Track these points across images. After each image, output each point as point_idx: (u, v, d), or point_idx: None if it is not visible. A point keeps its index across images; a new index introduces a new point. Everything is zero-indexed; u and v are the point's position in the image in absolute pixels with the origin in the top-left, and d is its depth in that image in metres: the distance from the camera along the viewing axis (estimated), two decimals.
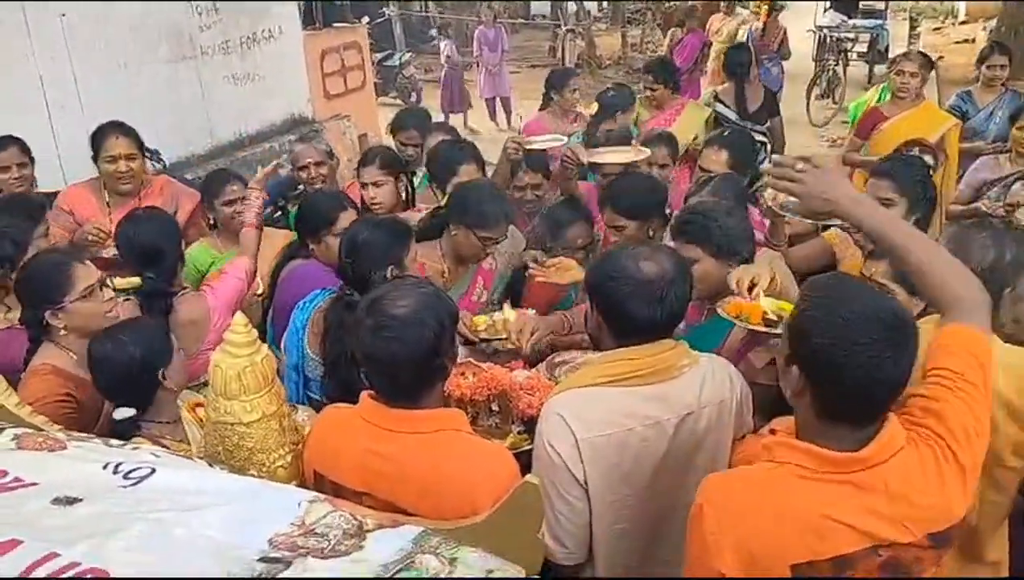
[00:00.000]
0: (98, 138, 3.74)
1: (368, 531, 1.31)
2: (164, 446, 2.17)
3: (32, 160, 3.91)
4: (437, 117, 5.82)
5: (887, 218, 1.84)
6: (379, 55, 13.82)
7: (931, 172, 4.61)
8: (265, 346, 1.85)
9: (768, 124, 5.79)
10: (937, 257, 1.75)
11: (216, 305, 2.85)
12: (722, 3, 9.01)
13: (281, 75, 7.33)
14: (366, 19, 10.87)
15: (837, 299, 1.53)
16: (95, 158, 3.78)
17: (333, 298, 2.68)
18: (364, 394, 1.91)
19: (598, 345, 2.05)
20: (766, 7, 9.80)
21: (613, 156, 3.80)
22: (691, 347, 2.02)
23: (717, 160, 3.69)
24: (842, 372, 1.48)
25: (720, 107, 5.80)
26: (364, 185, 3.70)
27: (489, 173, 3.97)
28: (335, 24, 9.03)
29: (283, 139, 7.23)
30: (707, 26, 9.68)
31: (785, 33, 9.70)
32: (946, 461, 1.53)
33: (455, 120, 12.02)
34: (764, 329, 2.20)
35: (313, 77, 7.90)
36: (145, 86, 5.84)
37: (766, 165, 1.99)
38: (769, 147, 5.73)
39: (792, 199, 2.80)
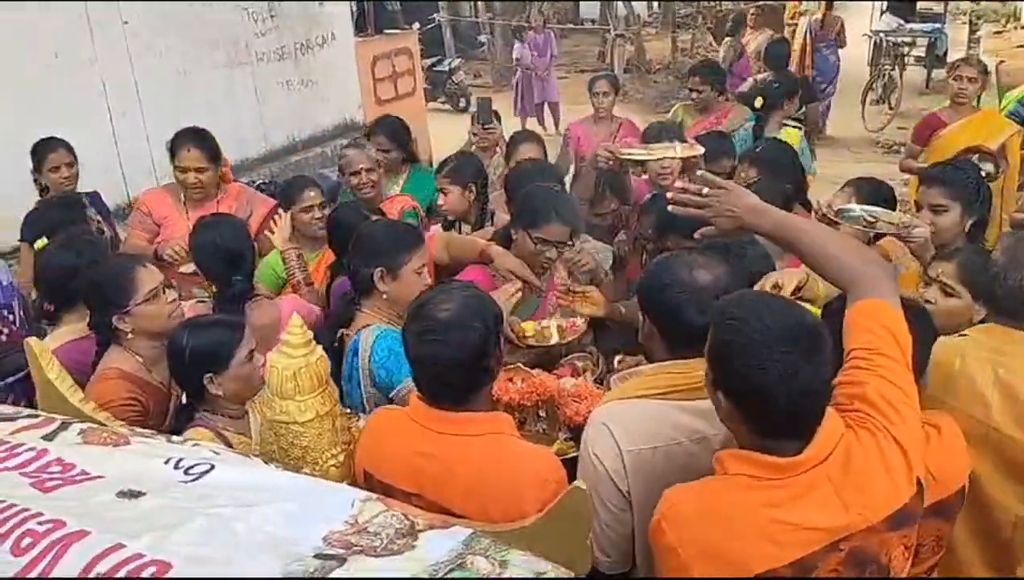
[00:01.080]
0: (174, 145, 3.78)
1: (420, 531, 1.33)
2: (225, 438, 2.26)
3: (76, 160, 4.07)
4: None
5: (782, 218, 1.91)
6: (429, 60, 13.92)
7: (991, 179, 4.54)
8: (320, 348, 1.88)
9: (803, 109, 6.21)
10: (833, 242, 1.82)
11: (287, 313, 2.81)
12: (752, 15, 8.58)
13: (333, 81, 7.46)
14: (416, 25, 11.00)
15: (745, 319, 1.53)
16: (172, 162, 3.80)
17: (343, 296, 2.75)
18: (413, 396, 1.94)
19: (650, 356, 2.03)
20: (824, 3, 10.72)
21: (640, 155, 3.73)
22: None
23: (747, 177, 3.61)
24: (763, 390, 1.49)
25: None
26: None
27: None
28: (386, 30, 9.17)
29: (334, 144, 7.35)
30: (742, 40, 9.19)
31: (842, 24, 10.48)
32: (885, 440, 1.55)
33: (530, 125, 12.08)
34: None
35: (364, 83, 8.03)
36: (202, 92, 6.00)
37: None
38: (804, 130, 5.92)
39: (849, 205, 2.83)
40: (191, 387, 2.39)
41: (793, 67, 9.77)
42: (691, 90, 5.45)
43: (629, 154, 3.74)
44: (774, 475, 1.53)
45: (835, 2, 10.71)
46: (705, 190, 1.93)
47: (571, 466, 2.01)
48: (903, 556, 1.59)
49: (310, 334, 1.85)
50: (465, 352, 1.81)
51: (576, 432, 2.27)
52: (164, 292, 2.59)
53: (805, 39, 10.45)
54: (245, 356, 2.34)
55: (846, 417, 1.58)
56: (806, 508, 1.50)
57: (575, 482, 1.68)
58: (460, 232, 3.69)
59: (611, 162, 3.65)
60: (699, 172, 2.12)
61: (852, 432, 1.56)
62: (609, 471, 1.82)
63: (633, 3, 19.07)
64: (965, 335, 2.23)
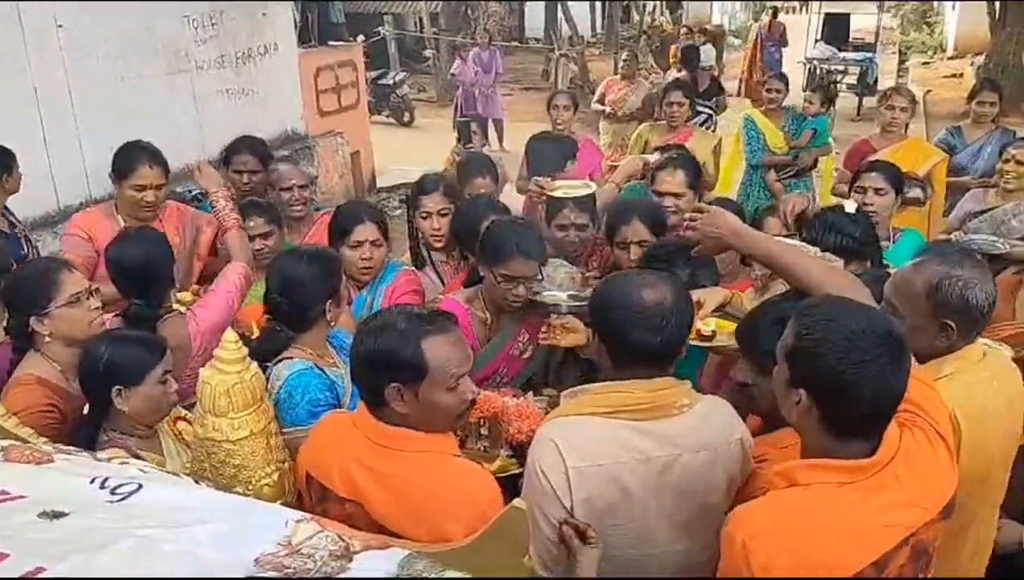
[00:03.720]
0: (127, 161, 3.50)
1: (355, 552, 1.30)
2: (140, 459, 2.18)
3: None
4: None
5: (770, 242, 2.12)
6: (373, 73, 13.88)
7: (920, 204, 4.71)
8: (255, 364, 1.85)
9: (714, 100, 8.08)
10: (818, 267, 2.01)
11: (199, 330, 2.76)
12: (622, 64, 7.90)
13: (275, 91, 7.37)
14: (361, 38, 10.96)
15: (836, 319, 1.59)
16: (118, 180, 3.53)
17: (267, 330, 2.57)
18: (362, 403, 1.92)
19: (599, 369, 2.05)
20: (772, 8, 14.44)
21: (573, 190, 3.59)
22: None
23: (672, 181, 3.67)
24: (852, 390, 1.54)
25: None
26: (427, 215, 3.44)
27: None
28: (331, 42, 9.10)
29: (275, 154, 7.24)
30: (598, 90, 8.21)
31: (784, 27, 14.20)
32: (932, 436, 1.66)
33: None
34: (698, 343, 2.36)
35: (307, 94, 7.95)
36: (140, 99, 5.86)
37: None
38: (715, 117, 8.08)
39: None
40: (97, 399, 2.28)
41: (746, 62, 14.01)
42: (672, 103, 5.54)
43: (555, 190, 3.60)
44: (851, 479, 1.58)
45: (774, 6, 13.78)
46: (692, 214, 2.12)
47: (512, 484, 2.02)
48: (937, 545, 1.69)
49: (244, 350, 1.82)
50: (367, 354, 1.83)
51: (518, 449, 2.28)
52: (88, 298, 2.50)
53: (756, 40, 13.71)
54: (160, 377, 2.26)
55: (897, 418, 1.66)
56: (882, 507, 1.57)
57: (514, 500, 1.68)
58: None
59: (541, 196, 3.56)
60: (684, 199, 2.24)
61: (908, 432, 1.66)
62: (554, 486, 1.82)
63: (577, 23, 19.33)
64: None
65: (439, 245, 3.46)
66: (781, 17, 14.73)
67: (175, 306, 2.88)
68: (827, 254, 2.66)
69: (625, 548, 1.88)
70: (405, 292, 3.16)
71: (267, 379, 2.34)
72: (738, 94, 13.47)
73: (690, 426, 1.90)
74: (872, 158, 4.99)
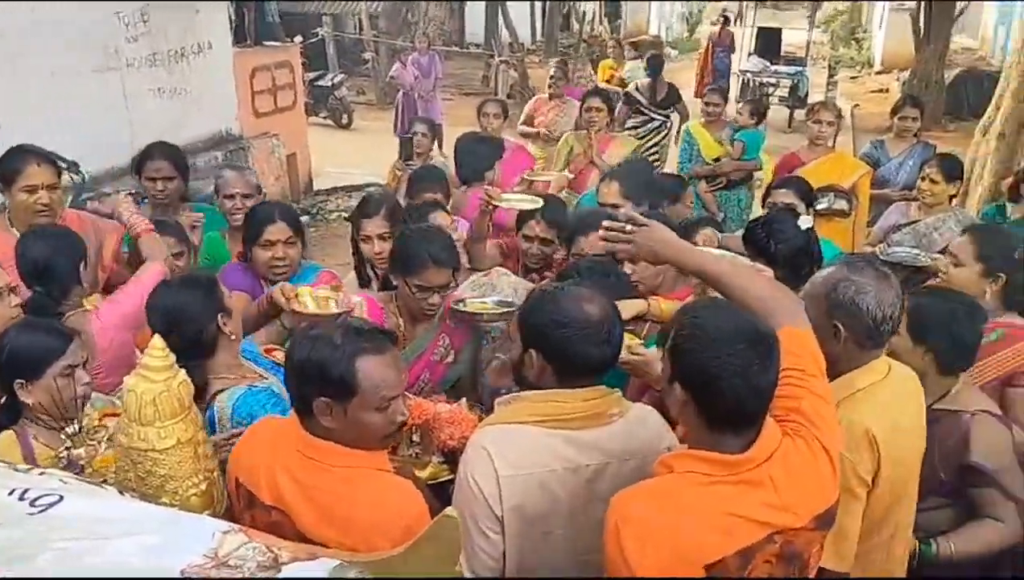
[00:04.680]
0: (12, 164, 3.24)
1: (283, 563, 1.29)
2: (29, 447, 2.20)
3: None
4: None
5: (701, 254, 2.14)
6: (311, 75, 13.72)
7: (845, 215, 4.87)
8: (183, 371, 1.81)
9: (672, 109, 7.88)
10: (749, 276, 2.03)
11: (104, 326, 2.69)
12: (550, 82, 7.20)
13: (209, 90, 7.24)
14: (299, 39, 10.83)
15: (706, 319, 1.70)
16: (6, 186, 3.25)
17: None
18: (294, 411, 1.91)
19: (535, 388, 1.99)
20: (722, 19, 15.36)
21: (520, 203, 3.65)
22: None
23: (609, 192, 3.75)
24: (717, 384, 1.63)
25: (636, 95, 7.90)
26: (367, 238, 3.31)
27: None
28: (267, 42, 8.97)
29: (209, 155, 7.12)
30: (526, 110, 7.40)
31: (733, 36, 15.35)
32: (816, 447, 1.72)
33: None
34: None
35: (242, 94, 7.83)
36: (66, 96, 5.69)
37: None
38: (676, 124, 7.82)
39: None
40: (4, 390, 2.25)
41: (698, 67, 14.97)
42: (593, 109, 5.59)
43: (502, 201, 3.62)
44: (723, 471, 1.65)
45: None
46: (628, 227, 2.11)
47: (443, 490, 2.01)
48: (818, 554, 1.76)
49: (172, 357, 1.78)
50: (299, 364, 1.82)
51: (449, 456, 2.28)
52: (9, 295, 2.46)
53: (708, 46, 14.79)
54: (63, 369, 2.21)
55: (783, 426, 1.74)
56: (751, 503, 1.64)
57: (446, 509, 1.69)
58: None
59: (490, 206, 3.56)
60: (621, 210, 2.23)
61: (789, 438, 1.72)
62: (485, 494, 1.84)
63: (517, 30, 19.45)
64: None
65: (383, 266, 3.38)
66: (715, 30, 15.52)
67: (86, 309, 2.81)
68: (757, 264, 2.73)
69: (556, 555, 1.90)
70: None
71: (210, 416, 2.30)
72: (694, 96, 13.92)
73: (619, 435, 1.94)
74: (800, 170, 5.16)
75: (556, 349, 1.91)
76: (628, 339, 2.37)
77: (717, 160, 6.36)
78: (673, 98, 7.91)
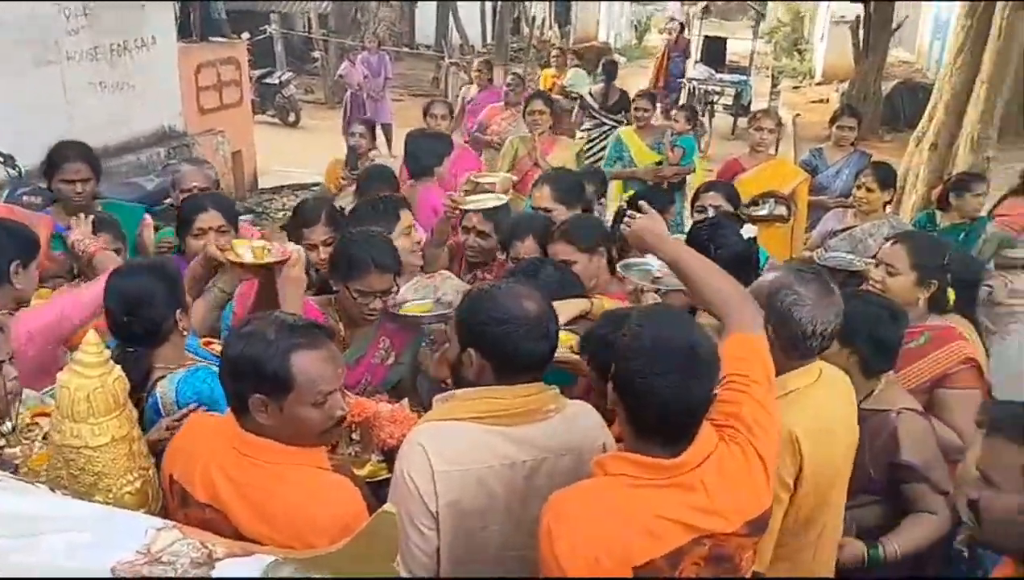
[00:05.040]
0: None
1: (218, 560, 1.29)
2: None
3: None
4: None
5: (683, 250, 2.21)
6: (258, 72, 13.54)
7: (784, 220, 5.00)
8: (117, 367, 1.79)
9: (623, 114, 8.01)
10: (718, 279, 2.06)
11: (26, 328, 2.54)
12: (506, 90, 7.14)
13: (152, 86, 7.10)
14: (246, 35, 10.69)
15: (646, 328, 1.72)
16: None
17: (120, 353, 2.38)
18: (229, 408, 1.89)
19: (473, 385, 1.99)
20: (678, 25, 15.73)
21: (484, 203, 3.61)
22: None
23: (541, 195, 3.79)
24: (645, 396, 1.67)
25: (589, 99, 8.44)
26: (312, 247, 3.19)
27: None
28: (212, 38, 8.84)
29: (151, 151, 6.99)
30: (479, 118, 7.16)
31: (689, 41, 15.96)
32: (751, 454, 1.75)
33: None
34: None
35: (187, 90, 7.70)
36: (4, 89, 5.54)
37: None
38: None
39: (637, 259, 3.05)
40: None
41: (654, 72, 15.38)
42: (536, 112, 5.62)
43: (467, 204, 3.59)
44: (653, 475, 1.67)
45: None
46: (636, 214, 2.25)
47: (382, 489, 2.02)
48: (751, 558, 1.78)
49: (107, 353, 1.75)
50: (233, 361, 1.81)
51: (389, 455, 2.28)
52: None
53: (664, 51, 15.15)
54: None
55: (720, 431, 1.76)
56: (680, 506, 1.65)
57: (385, 505, 1.69)
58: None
59: (456, 211, 3.53)
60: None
61: (724, 444, 1.74)
62: (420, 491, 1.84)
63: (468, 32, 19.45)
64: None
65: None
66: (662, 38, 16.20)
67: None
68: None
69: (493, 550, 1.91)
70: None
71: (153, 403, 2.28)
72: None
73: (556, 430, 1.96)
74: (741, 177, 5.29)
75: (495, 346, 1.92)
76: (568, 338, 2.41)
77: (659, 164, 6.43)
78: (624, 103, 8.15)
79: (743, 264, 2.93)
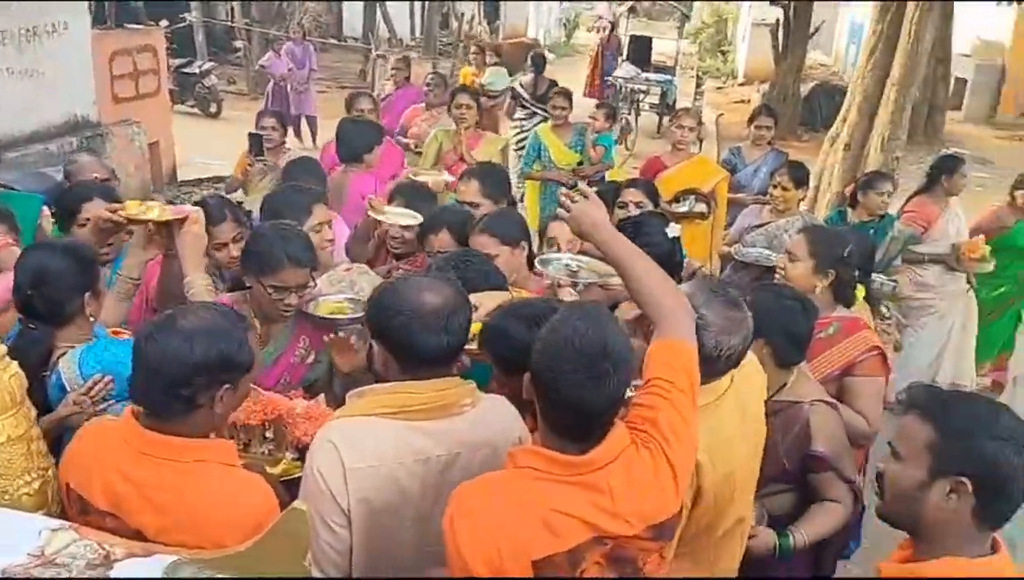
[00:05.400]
0: None
1: (116, 560, 1.26)
2: None
3: None
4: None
5: (623, 243, 2.10)
6: (178, 61, 13.17)
7: (704, 217, 5.10)
8: (15, 364, 1.72)
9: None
10: (655, 279, 2.01)
11: None
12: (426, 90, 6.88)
13: (64, 73, 6.83)
14: (164, 23, 10.40)
15: (559, 329, 1.71)
16: None
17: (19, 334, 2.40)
18: (128, 410, 1.83)
19: (383, 379, 2.00)
20: (610, 24, 16.76)
21: (400, 218, 3.58)
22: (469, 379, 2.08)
23: (468, 190, 3.78)
24: (555, 393, 1.68)
25: (519, 89, 8.80)
26: (221, 246, 3.07)
27: None
28: (128, 25, 8.57)
29: (62, 141, 6.73)
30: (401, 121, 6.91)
31: (620, 40, 17.07)
32: (661, 460, 1.74)
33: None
34: None
35: (100, 79, 7.44)
36: None
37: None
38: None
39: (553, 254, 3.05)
40: None
41: (589, 69, 16.32)
42: (463, 105, 5.60)
43: (381, 214, 3.53)
44: (559, 471, 1.67)
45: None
46: (576, 196, 2.16)
47: (298, 487, 1.98)
48: (658, 563, 1.78)
49: (3, 349, 1.69)
50: (166, 364, 1.73)
51: (304, 453, 2.24)
52: None
53: (598, 49, 16.02)
54: None
55: (634, 435, 1.74)
56: (581, 503, 1.65)
57: (295, 503, 1.67)
58: None
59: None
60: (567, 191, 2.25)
61: (635, 448, 1.73)
62: (331, 488, 1.82)
63: (396, 25, 19.29)
64: None
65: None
66: (590, 36, 16.78)
67: None
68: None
69: (407, 547, 1.90)
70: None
71: (56, 381, 2.24)
72: (584, 95, 15.04)
73: (470, 425, 1.95)
74: (663, 174, 5.37)
75: (394, 338, 1.91)
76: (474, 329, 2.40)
77: (580, 164, 6.41)
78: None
79: (668, 263, 2.96)
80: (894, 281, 4.44)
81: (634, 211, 3.86)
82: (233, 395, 1.84)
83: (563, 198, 2.20)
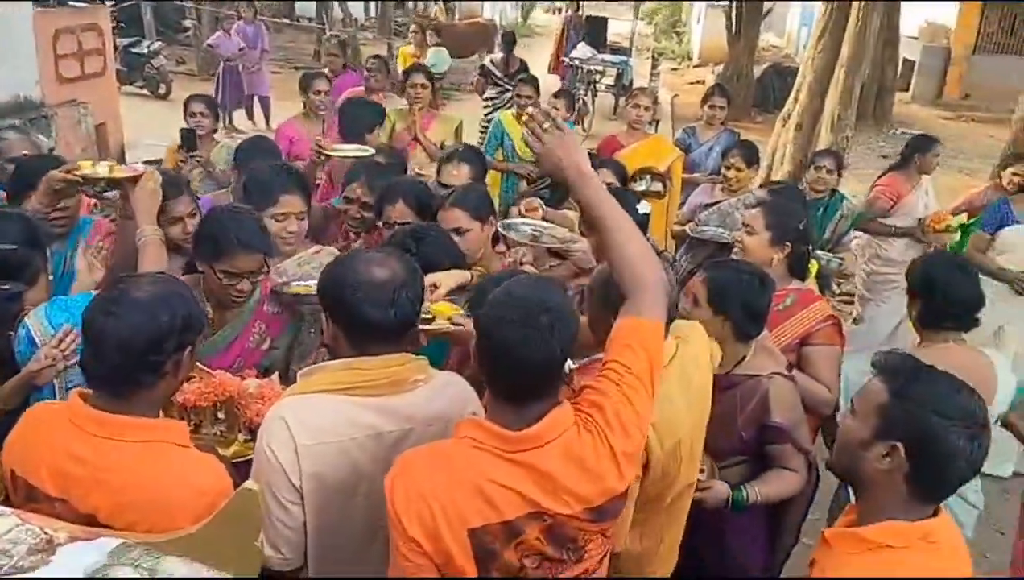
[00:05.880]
0: None
1: (59, 545, 1.23)
2: None
3: None
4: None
5: (605, 196, 1.95)
6: (125, 41, 12.84)
7: (660, 196, 5.13)
8: None
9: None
10: (635, 242, 1.91)
11: None
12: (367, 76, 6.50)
13: (6, 53, 6.62)
14: (110, 1, 10.12)
15: (506, 286, 1.74)
16: None
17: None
18: (75, 393, 1.79)
19: (335, 356, 1.99)
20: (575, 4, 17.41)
21: (352, 152, 3.83)
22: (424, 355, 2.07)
23: (459, 175, 3.80)
24: (492, 350, 1.69)
25: (490, 66, 9.00)
26: (176, 220, 3.06)
27: None
28: (72, 3, 8.32)
29: (5, 123, 6.52)
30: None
31: (583, 17, 17.19)
32: (602, 445, 1.73)
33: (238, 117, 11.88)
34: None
35: (44, 58, 7.20)
36: None
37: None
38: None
39: (515, 219, 3.05)
40: None
41: (555, 47, 16.22)
42: (417, 85, 5.53)
43: (338, 150, 3.80)
44: (498, 444, 1.66)
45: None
46: (546, 124, 1.93)
47: (250, 468, 1.96)
48: (601, 543, 1.79)
49: None
50: (137, 337, 1.71)
51: (256, 433, 2.21)
52: None
53: (563, 28, 15.97)
54: None
55: (579, 416, 1.74)
56: (520, 478, 1.65)
57: (246, 483, 1.65)
58: None
59: (322, 158, 3.60)
60: (534, 109, 2.06)
61: (577, 430, 1.72)
62: (283, 464, 1.80)
63: (350, 4, 19.03)
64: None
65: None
66: (548, 17, 16.73)
67: None
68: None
69: (360, 522, 1.90)
70: (105, 235, 3.12)
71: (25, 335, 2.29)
72: (549, 72, 15.47)
73: (423, 400, 1.94)
74: (619, 153, 5.39)
75: (342, 313, 1.89)
76: (450, 309, 2.39)
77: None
78: (524, 71, 8.60)
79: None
80: (841, 258, 4.53)
81: None
82: (191, 357, 1.86)
83: (529, 126, 1.96)
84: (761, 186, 4.67)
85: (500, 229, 3.05)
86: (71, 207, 3.04)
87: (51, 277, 2.70)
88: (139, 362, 1.73)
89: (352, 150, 3.98)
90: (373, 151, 3.70)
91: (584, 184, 1.93)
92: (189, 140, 4.63)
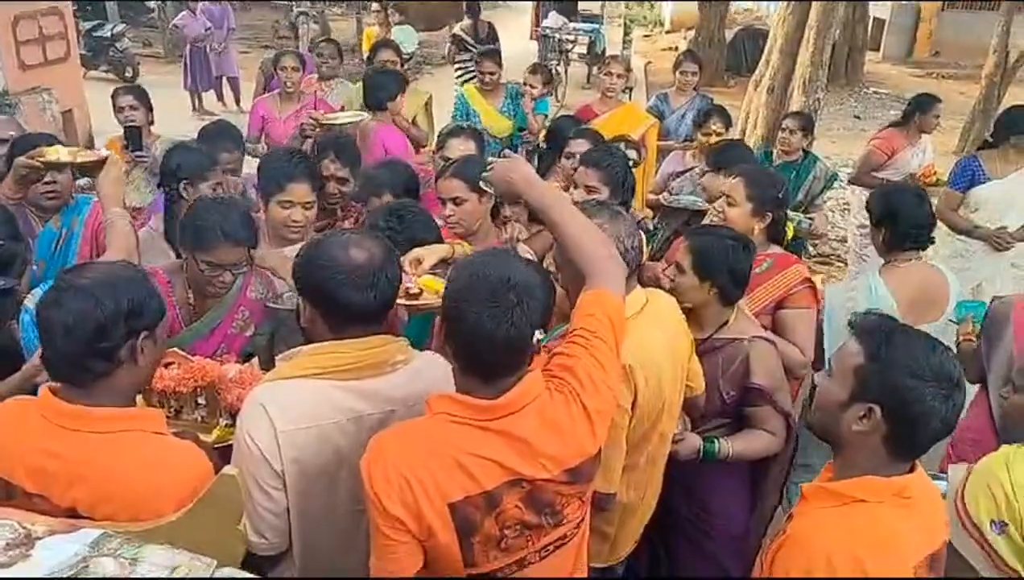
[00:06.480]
0: None
1: (37, 539, 1.22)
2: None
3: None
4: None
5: (553, 197, 2.10)
6: (88, 25, 12.60)
7: (636, 165, 5.12)
8: None
9: (497, 43, 8.86)
10: (588, 232, 2.03)
11: None
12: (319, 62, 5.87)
13: None
14: None
15: (476, 265, 1.75)
16: None
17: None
18: (45, 388, 1.77)
19: (312, 339, 1.97)
20: None
21: (345, 119, 3.90)
22: (405, 335, 2.07)
23: (466, 149, 3.76)
24: (459, 328, 1.70)
25: (462, 34, 9.12)
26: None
27: None
28: None
29: None
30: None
31: None
32: (575, 405, 1.77)
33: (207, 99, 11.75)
34: (404, 302, 2.28)
35: (5, 45, 7.08)
36: None
37: None
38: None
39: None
40: None
41: (533, 13, 16.43)
42: (384, 62, 5.46)
43: (333, 119, 3.82)
44: (473, 415, 1.68)
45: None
46: (490, 160, 2.17)
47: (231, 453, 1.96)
48: (578, 506, 1.82)
49: None
50: (79, 322, 1.66)
51: (237, 418, 2.21)
52: None
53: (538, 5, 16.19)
54: None
55: (550, 381, 1.77)
56: (498, 448, 1.67)
57: (225, 468, 1.65)
58: None
59: (317, 129, 3.58)
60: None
61: (549, 393, 1.75)
62: (263, 451, 1.80)
63: None
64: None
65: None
66: None
67: None
68: None
69: (342, 506, 1.90)
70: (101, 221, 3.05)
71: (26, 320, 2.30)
72: (531, 38, 15.82)
73: (403, 382, 1.94)
74: (593, 122, 5.37)
75: (319, 294, 1.88)
76: (437, 283, 2.37)
77: (511, 139, 5.90)
78: (494, 35, 9.19)
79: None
80: (811, 218, 4.56)
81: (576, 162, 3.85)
82: (154, 346, 1.79)
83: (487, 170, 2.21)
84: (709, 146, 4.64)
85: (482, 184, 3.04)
86: (60, 181, 3.09)
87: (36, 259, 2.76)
88: (87, 349, 1.68)
89: (346, 117, 4.01)
90: (368, 116, 3.70)
91: (533, 190, 2.09)
92: (134, 139, 4.26)
